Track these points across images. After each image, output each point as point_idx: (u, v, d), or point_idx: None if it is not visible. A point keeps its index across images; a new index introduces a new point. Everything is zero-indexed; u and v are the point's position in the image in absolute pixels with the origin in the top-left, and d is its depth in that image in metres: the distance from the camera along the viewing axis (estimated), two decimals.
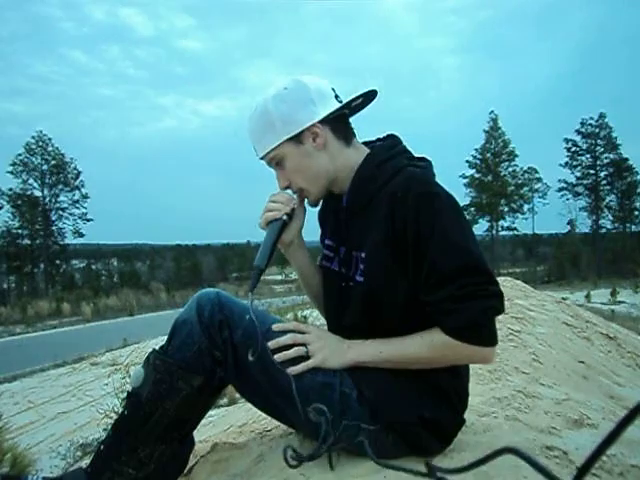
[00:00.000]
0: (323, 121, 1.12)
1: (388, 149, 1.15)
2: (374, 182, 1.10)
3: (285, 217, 1.15)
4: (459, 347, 1.00)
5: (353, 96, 1.16)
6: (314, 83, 1.13)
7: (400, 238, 1.02)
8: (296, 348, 1.07)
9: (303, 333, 1.11)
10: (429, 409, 1.07)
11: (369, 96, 1.20)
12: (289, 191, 1.18)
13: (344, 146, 1.15)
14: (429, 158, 1.17)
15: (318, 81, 1.15)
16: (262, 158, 1.16)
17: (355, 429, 1.06)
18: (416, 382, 1.07)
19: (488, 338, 1.02)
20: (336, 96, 1.15)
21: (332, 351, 1.09)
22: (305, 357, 1.07)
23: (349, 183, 1.15)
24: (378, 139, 1.22)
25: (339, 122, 1.15)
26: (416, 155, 1.16)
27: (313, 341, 1.09)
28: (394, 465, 0.90)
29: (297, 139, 1.11)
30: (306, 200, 1.20)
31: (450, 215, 1.02)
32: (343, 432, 1.05)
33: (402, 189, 1.03)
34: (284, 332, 1.10)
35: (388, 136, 1.21)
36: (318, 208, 1.27)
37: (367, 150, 1.16)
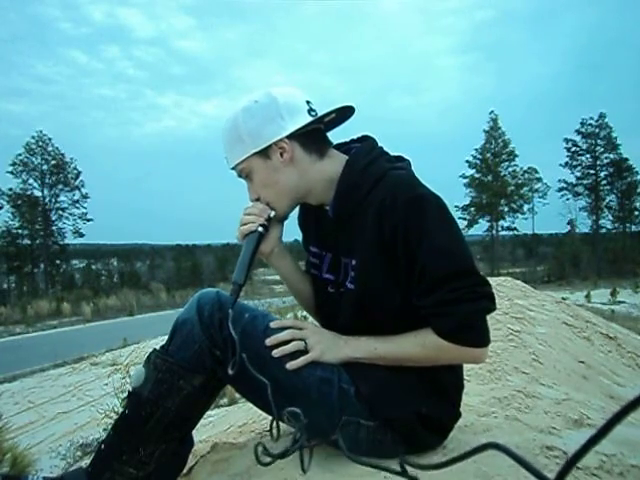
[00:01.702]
0: (292, 136, 1.11)
1: (366, 154, 1.13)
2: (358, 190, 1.09)
3: (261, 229, 1.14)
4: (451, 349, 1.02)
5: (325, 111, 1.15)
6: (285, 97, 1.12)
7: (390, 244, 1.03)
8: (295, 342, 1.08)
9: (301, 329, 1.12)
10: (426, 405, 1.08)
11: (345, 112, 1.19)
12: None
13: (317, 159, 1.14)
14: (407, 157, 1.17)
15: (291, 94, 1.13)
16: (232, 169, 1.17)
17: (355, 425, 1.06)
18: (413, 378, 1.08)
19: (480, 339, 1.04)
20: (310, 109, 1.13)
21: (329, 346, 1.10)
22: (303, 352, 1.08)
23: (332, 194, 1.13)
24: (352, 140, 1.21)
25: (311, 137, 1.14)
26: (394, 154, 1.16)
27: (311, 336, 1.10)
28: (368, 462, 0.90)
29: (264, 153, 1.11)
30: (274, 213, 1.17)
31: (438, 218, 1.03)
32: (343, 428, 1.06)
33: (389, 195, 1.03)
34: (282, 329, 1.10)
35: (363, 137, 1.20)
36: (296, 214, 1.27)
37: (344, 157, 1.15)
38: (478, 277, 1.02)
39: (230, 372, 1.01)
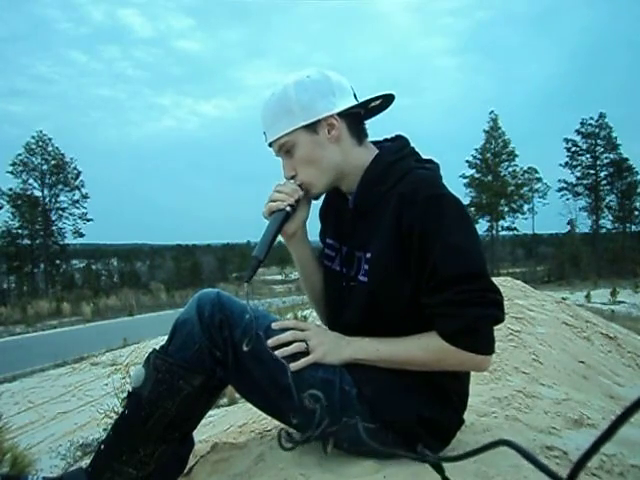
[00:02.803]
0: (340, 115, 1.12)
1: (396, 151, 1.15)
2: (382, 184, 1.10)
3: (289, 208, 1.13)
4: (454, 352, 1.01)
5: (372, 96, 1.16)
6: (336, 77, 1.14)
7: (406, 239, 1.03)
8: (296, 344, 1.08)
9: (302, 330, 1.11)
10: (428, 409, 1.07)
11: (386, 99, 1.20)
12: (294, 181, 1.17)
13: (356, 144, 1.15)
14: (436, 160, 1.17)
15: (340, 77, 1.16)
16: (272, 144, 1.15)
17: (355, 427, 1.06)
18: (416, 381, 1.08)
19: (483, 346, 1.03)
20: (354, 95, 1.16)
21: (331, 347, 1.09)
22: (305, 353, 1.07)
23: (357, 183, 1.15)
24: (386, 139, 1.22)
25: (355, 120, 1.16)
26: (425, 157, 1.17)
27: (313, 337, 1.10)
28: (387, 451, 0.90)
29: (312, 128, 1.11)
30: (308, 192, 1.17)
31: (456, 218, 1.03)
32: (343, 429, 1.05)
33: (410, 191, 1.03)
34: (284, 330, 1.10)
35: (396, 137, 1.21)
36: (320, 204, 1.27)
37: (376, 150, 1.16)
38: (489, 282, 1.01)
39: (245, 349, 1.03)
